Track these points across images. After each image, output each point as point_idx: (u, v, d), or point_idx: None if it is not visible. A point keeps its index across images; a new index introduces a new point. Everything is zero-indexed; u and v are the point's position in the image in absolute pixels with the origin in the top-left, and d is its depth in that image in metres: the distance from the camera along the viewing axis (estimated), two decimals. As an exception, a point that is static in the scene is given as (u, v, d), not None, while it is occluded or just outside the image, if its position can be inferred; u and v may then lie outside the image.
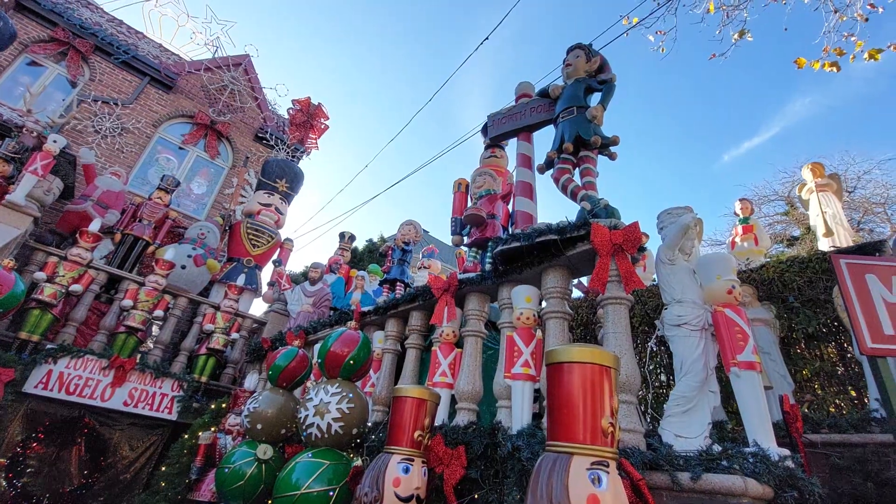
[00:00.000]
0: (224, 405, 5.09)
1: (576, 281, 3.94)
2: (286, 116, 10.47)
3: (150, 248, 6.76)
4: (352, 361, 3.23)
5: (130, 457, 5.76)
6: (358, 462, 3.05)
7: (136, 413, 5.19)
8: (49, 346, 4.77)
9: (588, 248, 2.60)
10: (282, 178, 8.27)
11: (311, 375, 3.99)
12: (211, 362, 5.77)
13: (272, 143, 10.08)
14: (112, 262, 6.35)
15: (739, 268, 4.66)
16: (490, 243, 3.58)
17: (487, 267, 3.38)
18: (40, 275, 4.88)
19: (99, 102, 8.75)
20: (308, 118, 9.49)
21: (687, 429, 2.44)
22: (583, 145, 3.41)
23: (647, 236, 2.54)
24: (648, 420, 3.99)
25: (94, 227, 5.44)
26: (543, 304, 2.94)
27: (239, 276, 6.87)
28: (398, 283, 4.95)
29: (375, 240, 13.20)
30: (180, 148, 9.63)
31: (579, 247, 2.66)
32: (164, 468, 4.81)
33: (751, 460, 1.94)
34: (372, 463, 2.57)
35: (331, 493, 2.85)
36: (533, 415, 2.69)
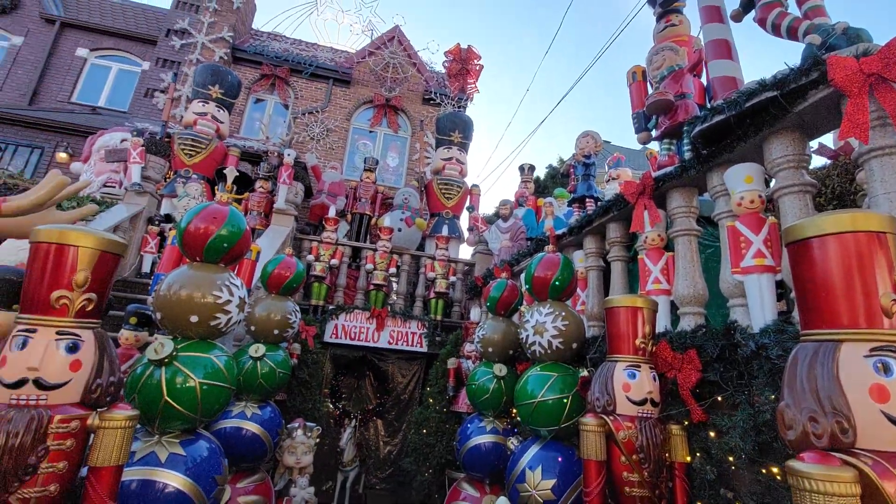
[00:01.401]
0: (459, 336, 5.95)
1: (814, 144, 3.09)
2: (443, 71, 10.81)
3: (373, 221, 8.14)
4: (557, 282, 3.34)
5: (403, 382, 7.35)
6: (584, 373, 3.22)
7: (398, 349, 6.52)
8: (330, 307, 6.36)
9: (827, 93, 2.00)
10: (454, 131, 8.70)
11: (524, 301, 4.28)
12: (440, 303, 6.76)
13: (438, 100, 10.60)
14: (350, 238, 7.92)
15: None
16: (685, 127, 3.07)
17: (687, 156, 2.94)
18: (310, 257, 6.46)
19: (306, 114, 10.65)
20: (462, 64, 9.59)
21: None
22: (798, -40, 2.55)
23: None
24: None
25: (332, 213, 6.85)
26: (771, 183, 2.43)
27: (442, 228, 7.71)
28: (587, 200, 4.76)
29: (555, 164, 12.78)
30: (370, 131, 11.04)
31: (812, 96, 2.06)
32: (428, 388, 5.98)
33: None
34: (597, 372, 2.67)
35: (565, 401, 3.11)
36: (778, 312, 2.34)
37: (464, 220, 8.63)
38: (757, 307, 2.33)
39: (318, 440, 4.41)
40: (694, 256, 2.83)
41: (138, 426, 2.32)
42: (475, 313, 5.68)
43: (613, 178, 5.83)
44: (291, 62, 11.04)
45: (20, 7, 11.39)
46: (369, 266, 6.66)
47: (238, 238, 2.86)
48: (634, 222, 3.10)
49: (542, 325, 3.30)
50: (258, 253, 4.72)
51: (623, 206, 3.34)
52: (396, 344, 6.45)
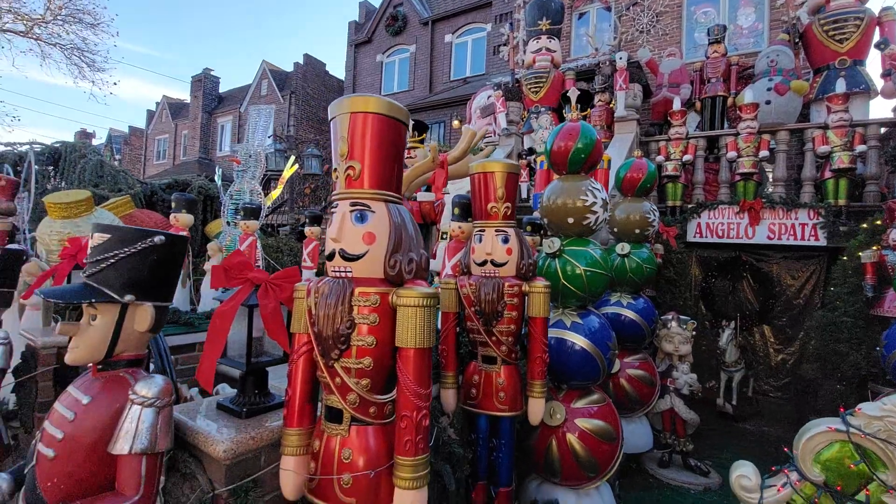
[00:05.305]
0: (878, 222, 4.52)
1: None
2: None
3: (729, 100, 6.95)
4: None
5: (795, 284, 6.27)
6: None
7: (782, 245, 5.58)
8: (689, 206, 6.06)
9: None
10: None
11: None
12: (842, 184, 5.23)
13: None
14: (703, 128, 7.08)
15: None
16: None
17: None
18: (660, 158, 6.29)
19: (630, 8, 9.86)
20: None
21: None
22: None
23: None
24: None
25: (676, 105, 6.33)
26: None
27: (836, 84, 5.71)
28: None
29: None
30: (710, -7, 9.12)
31: None
32: (833, 289, 4.92)
33: None
34: None
35: None
36: None
37: (873, 66, 6.08)
38: None
39: (693, 332, 4.53)
40: None
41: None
42: (908, 186, 4.13)
43: None
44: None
45: (407, 23, 15.49)
46: (731, 154, 5.86)
47: (592, 147, 3.25)
48: None
49: None
50: (609, 161, 5.05)
51: None
52: (779, 239, 5.52)
